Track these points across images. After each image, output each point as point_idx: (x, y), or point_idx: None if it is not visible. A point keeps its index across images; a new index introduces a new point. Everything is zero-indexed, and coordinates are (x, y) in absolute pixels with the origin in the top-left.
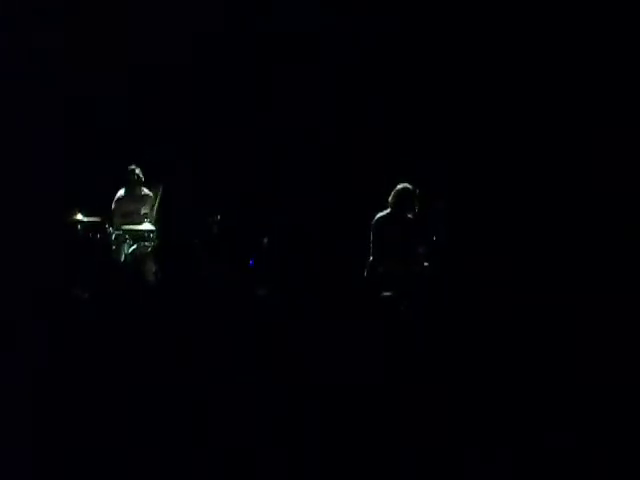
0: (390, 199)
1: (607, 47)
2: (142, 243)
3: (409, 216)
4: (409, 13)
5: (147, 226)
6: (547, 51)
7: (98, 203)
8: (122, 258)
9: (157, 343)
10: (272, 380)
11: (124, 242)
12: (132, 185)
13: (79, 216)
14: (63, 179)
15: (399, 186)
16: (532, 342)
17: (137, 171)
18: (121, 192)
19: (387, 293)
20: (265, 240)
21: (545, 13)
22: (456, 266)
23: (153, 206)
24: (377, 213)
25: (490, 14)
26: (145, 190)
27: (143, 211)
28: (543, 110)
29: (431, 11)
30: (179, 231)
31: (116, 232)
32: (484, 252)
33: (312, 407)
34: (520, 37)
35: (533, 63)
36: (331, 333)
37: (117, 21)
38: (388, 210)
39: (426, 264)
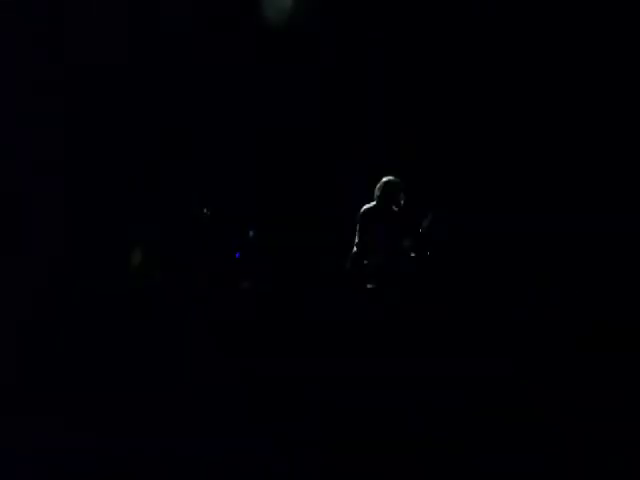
0: (376, 192)
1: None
2: None
3: (395, 209)
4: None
5: None
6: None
7: None
8: None
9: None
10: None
11: None
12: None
13: None
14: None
15: (384, 179)
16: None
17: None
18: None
19: (370, 285)
20: (251, 233)
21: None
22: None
23: None
24: (363, 205)
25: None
26: None
27: None
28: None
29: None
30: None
31: None
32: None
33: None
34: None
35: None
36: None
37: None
38: (374, 203)
39: (412, 255)
